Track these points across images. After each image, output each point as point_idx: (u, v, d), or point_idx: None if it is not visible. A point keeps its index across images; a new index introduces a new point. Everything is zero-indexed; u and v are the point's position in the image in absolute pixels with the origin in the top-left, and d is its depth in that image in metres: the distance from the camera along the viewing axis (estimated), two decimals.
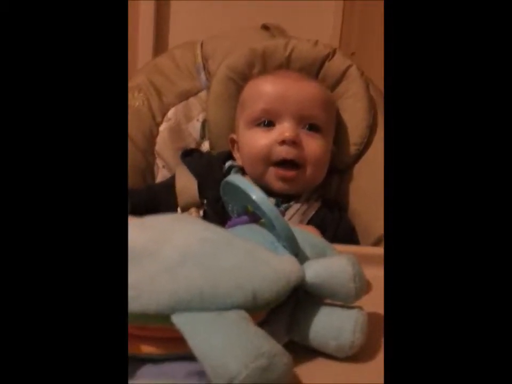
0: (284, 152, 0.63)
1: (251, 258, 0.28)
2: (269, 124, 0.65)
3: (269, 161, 0.64)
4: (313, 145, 0.65)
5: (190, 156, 0.71)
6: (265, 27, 0.81)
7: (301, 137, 0.64)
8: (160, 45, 1.51)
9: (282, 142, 0.63)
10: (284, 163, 0.64)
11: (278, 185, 0.65)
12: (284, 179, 0.64)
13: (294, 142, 0.63)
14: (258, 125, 0.66)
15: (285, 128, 0.64)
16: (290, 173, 0.64)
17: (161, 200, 0.66)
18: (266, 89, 0.67)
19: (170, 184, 0.68)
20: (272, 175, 0.64)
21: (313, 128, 0.65)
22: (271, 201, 0.64)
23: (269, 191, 0.65)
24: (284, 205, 0.66)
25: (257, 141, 0.65)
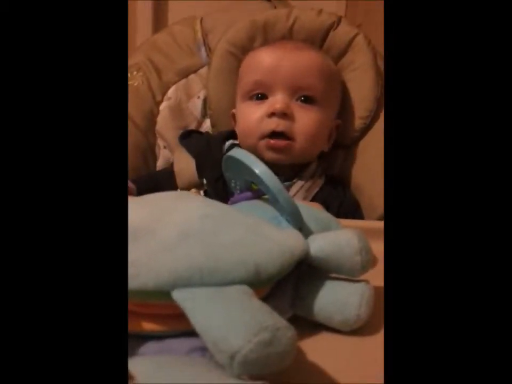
0: (273, 124, 0.62)
1: (253, 233, 0.27)
2: (262, 96, 0.64)
3: (260, 133, 0.63)
4: (306, 118, 0.63)
5: (188, 137, 0.70)
6: None
7: (293, 109, 0.62)
8: (159, 20, 1.48)
9: (272, 114, 0.62)
10: (274, 135, 0.63)
11: (269, 155, 0.63)
12: (273, 149, 0.63)
13: (284, 114, 0.62)
14: (251, 97, 0.65)
15: (275, 100, 0.62)
16: (280, 143, 0.62)
17: (162, 186, 0.65)
18: (260, 61, 0.65)
19: (170, 171, 0.67)
20: (263, 146, 0.63)
21: (308, 100, 0.63)
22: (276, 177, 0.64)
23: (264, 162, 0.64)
24: (287, 183, 0.65)
25: (249, 114, 0.64)
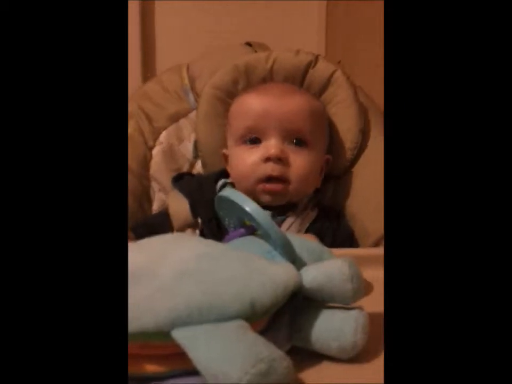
0: (269, 169, 0.64)
1: (247, 268, 0.28)
2: (255, 140, 0.66)
3: (256, 178, 0.65)
4: (299, 161, 0.65)
5: (181, 179, 0.72)
6: (249, 44, 0.83)
7: (287, 153, 0.64)
8: (148, 69, 1.53)
9: (268, 159, 0.63)
10: (270, 179, 0.64)
11: (266, 198, 0.65)
12: (270, 193, 0.65)
13: (279, 159, 0.63)
14: (245, 142, 0.66)
15: (270, 145, 0.64)
16: (276, 187, 0.64)
17: (158, 230, 0.66)
18: (250, 106, 0.67)
19: (164, 214, 0.68)
20: (260, 190, 0.65)
21: (300, 142, 0.65)
22: (267, 213, 0.65)
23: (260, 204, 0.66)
24: (280, 217, 0.67)
25: (244, 159, 0.66)
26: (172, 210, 0.68)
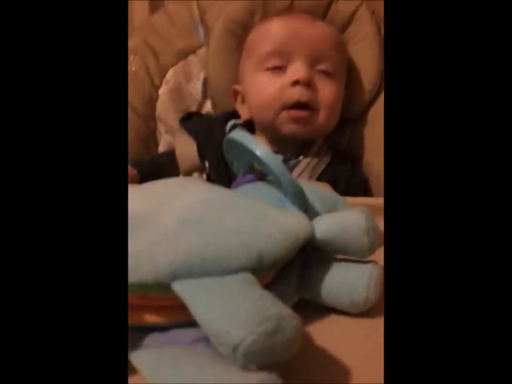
0: (297, 94, 0.60)
1: (256, 217, 0.26)
2: (279, 68, 0.62)
3: (281, 104, 0.61)
4: (327, 89, 0.62)
5: (189, 119, 0.69)
6: None
7: (314, 79, 0.61)
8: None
9: (296, 83, 0.60)
10: (297, 105, 0.61)
11: (289, 127, 0.62)
12: (296, 120, 0.61)
13: (308, 83, 0.60)
14: (268, 68, 0.62)
15: (298, 69, 0.60)
16: (303, 113, 0.61)
17: (164, 171, 0.65)
18: (276, 30, 0.63)
19: (171, 154, 0.66)
20: (284, 118, 0.61)
21: (326, 72, 0.62)
22: (279, 157, 0.63)
23: (280, 137, 0.63)
24: (293, 161, 0.64)
25: (267, 84, 0.62)
26: (179, 152, 0.65)
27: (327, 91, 0.61)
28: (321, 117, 0.62)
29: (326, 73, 0.62)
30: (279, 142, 0.65)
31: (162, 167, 0.66)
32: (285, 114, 0.61)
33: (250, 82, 0.64)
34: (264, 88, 0.62)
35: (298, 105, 0.60)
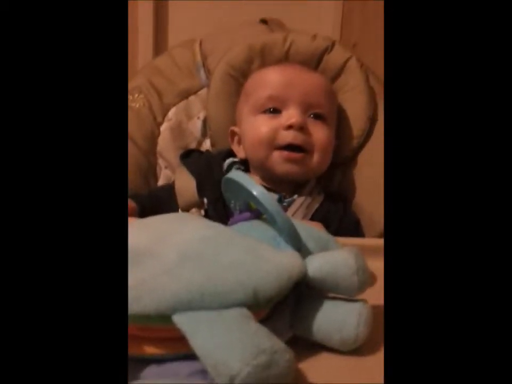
0: (290, 137, 0.63)
1: (252, 255, 0.28)
2: (275, 111, 0.65)
3: (274, 145, 0.64)
4: (321, 132, 0.65)
5: (189, 156, 0.71)
6: (264, 21, 0.81)
7: (307, 124, 0.64)
8: (160, 44, 1.51)
9: (289, 127, 0.63)
10: (289, 147, 0.64)
11: (283, 167, 0.64)
12: (288, 160, 0.64)
13: (301, 128, 0.63)
14: (264, 112, 0.66)
15: (292, 114, 0.64)
16: (295, 155, 0.64)
17: (163, 204, 0.66)
18: (273, 77, 0.67)
19: (171, 188, 0.68)
20: (277, 158, 0.64)
21: (318, 117, 0.66)
22: (273, 196, 0.65)
23: (273, 177, 0.65)
24: (287, 200, 0.66)
25: (262, 125, 0.65)
26: (178, 188, 0.67)
27: (320, 134, 0.65)
28: (316, 158, 0.65)
29: (319, 117, 0.66)
30: (273, 182, 0.67)
31: (162, 200, 0.67)
32: (276, 154, 0.64)
33: (246, 123, 0.68)
34: (259, 128, 0.65)
35: (291, 147, 0.64)
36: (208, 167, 0.68)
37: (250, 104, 0.67)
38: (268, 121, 0.65)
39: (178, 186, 0.67)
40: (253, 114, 0.67)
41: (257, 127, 0.65)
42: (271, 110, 0.65)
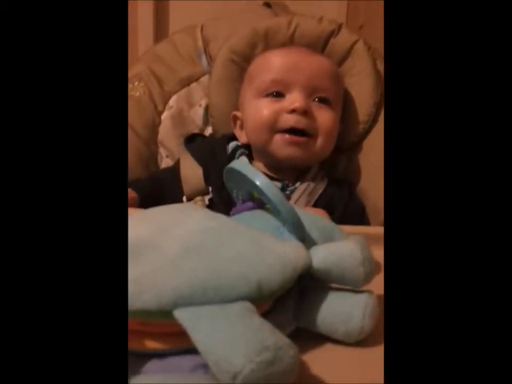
0: (292, 120, 0.62)
1: (255, 247, 0.27)
2: (278, 94, 0.64)
3: (276, 128, 0.63)
4: (325, 115, 0.64)
5: (193, 141, 0.70)
6: (267, 4, 0.79)
7: (311, 108, 0.63)
8: (160, 30, 1.49)
9: (292, 111, 0.62)
10: (291, 131, 0.63)
11: (285, 151, 0.63)
12: (291, 144, 0.63)
13: (305, 112, 0.62)
14: (267, 95, 0.64)
15: (295, 98, 0.62)
16: (298, 138, 0.63)
17: (166, 188, 0.66)
18: (277, 60, 0.66)
19: (174, 171, 0.67)
20: (279, 141, 0.63)
21: (323, 101, 0.64)
22: (276, 185, 0.64)
23: (275, 162, 0.64)
24: (290, 188, 0.65)
25: (264, 108, 0.64)
26: (184, 175, 0.66)
27: (325, 118, 0.64)
28: (319, 143, 0.64)
29: (324, 101, 0.64)
30: (276, 168, 0.66)
31: (164, 183, 0.66)
32: (278, 138, 0.63)
33: (249, 107, 0.67)
34: (261, 111, 0.64)
35: (293, 130, 0.62)
36: (212, 152, 0.67)
37: (254, 88, 0.66)
38: (271, 104, 0.63)
39: (183, 174, 0.67)
40: (256, 98, 0.65)
41: (259, 110, 0.64)
42: (274, 93, 0.64)
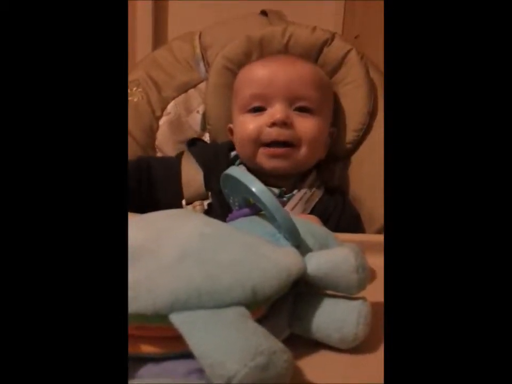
0: (274, 133, 0.63)
1: (251, 253, 0.28)
2: (260, 109, 0.65)
3: (259, 142, 0.64)
4: (306, 124, 0.65)
5: (194, 145, 0.71)
6: (264, 13, 0.80)
7: (292, 118, 0.64)
8: (159, 36, 1.50)
9: (273, 124, 0.63)
10: (274, 144, 0.64)
11: (270, 163, 0.65)
12: (274, 156, 0.64)
13: (284, 124, 0.63)
14: (249, 110, 0.66)
15: (275, 111, 0.63)
16: (280, 150, 0.64)
17: (159, 184, 0.66)
18: (255, 74, 0.67)
19: (173, 170, 0.67)
20: (263, 155, 0.65)
21: (304, 110, 0.65)
22: (274, 192, 0.64)
23: (263, 172, 0.65)
24: (288, 195, 0.66)
25: (247, 124, 0.65)
26: (185, 178, 0.67)
27: (306, 126, 0.64)
28: (303, 151, 0.65)
29: (305, 110, 0.65)
30: (266, 178, 0.67)
31: (168, 165, 0.67)
32: (262, 151, 0.65)
33: (235, 122, 0.69)
34: (245, 128, 0.65)
35: (276, 143, 0.64)
36: (215, 157, 0.68)
37: (237, 104, 0.68)
38: (253, 119, 0.65)
39: (185, 177, 0.67)
40: (240, 113, 0.67)
41: (243, 126, 0.66)
42: (256, 108, 0.65)
